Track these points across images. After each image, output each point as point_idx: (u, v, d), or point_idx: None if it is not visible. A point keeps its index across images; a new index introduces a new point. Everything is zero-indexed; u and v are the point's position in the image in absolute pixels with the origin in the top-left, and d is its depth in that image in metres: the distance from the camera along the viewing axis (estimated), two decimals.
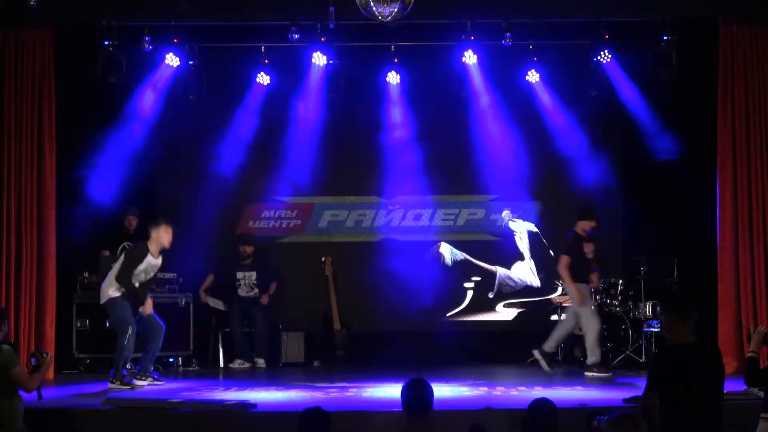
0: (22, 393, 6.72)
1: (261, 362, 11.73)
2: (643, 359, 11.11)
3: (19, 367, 6.64)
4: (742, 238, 10.45)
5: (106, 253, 11.37)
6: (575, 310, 10.52)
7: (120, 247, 11.56)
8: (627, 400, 7.65)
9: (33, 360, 6.87)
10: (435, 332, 12.38)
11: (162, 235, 9.64)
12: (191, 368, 11.53)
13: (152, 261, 9.65)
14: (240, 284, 12.02)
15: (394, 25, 9.60)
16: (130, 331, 9.33)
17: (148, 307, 9.53)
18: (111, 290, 9.47)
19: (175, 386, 9.65)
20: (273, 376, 10.79)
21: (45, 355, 6.89)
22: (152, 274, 9.71)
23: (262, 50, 11.61)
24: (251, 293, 12.02)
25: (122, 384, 9.24)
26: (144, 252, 9.59)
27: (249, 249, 12.19)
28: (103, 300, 9.58)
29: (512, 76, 11.89)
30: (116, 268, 9.55)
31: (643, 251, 11.47)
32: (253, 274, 12.11)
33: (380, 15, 8.36)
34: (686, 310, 5.66)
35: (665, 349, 5.69)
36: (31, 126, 10.50)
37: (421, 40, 11.41)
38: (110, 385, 9.21)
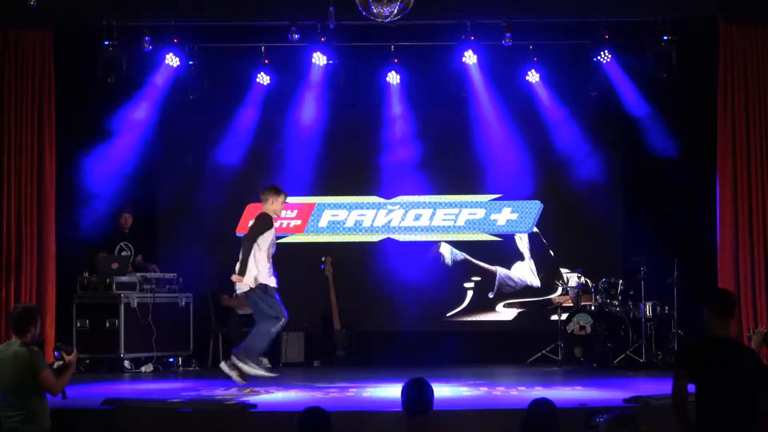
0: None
1: (264, 361, 11.66)
2: (643, 359, 11.11)
3: (48, 370, 6.64)
4: (742, 238, 10.46)
5: (103, 254, 11.35)
6: None
7: (117, 248, 11.55)
8: (627, 400, 7.64)
9: (56, 353, 6.85)
10: (435, 332, 12.38)
11: (279, 205, 9.28)
12: (191, 368, 11.52)
13: (273, 229, 9.26)
14: (236, 294, 11.98)
15: (394, 25, 9.61)
16: (282, 322, 9.10)
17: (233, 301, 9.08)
18: (267, 276, 9.06)
19: (175, 386, 9.64)
20: (273, 376, 10.77)
21: (70, 351, 6.86)
22: (274, 243, 9.28)
23: (262, 50, 11.62)
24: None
25: (241, 377, 9.01)
26: (270, 220, 9.15)
27: None
28: (245, 289, 9.10)
29: (512, 76, 11.90)
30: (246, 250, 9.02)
31: (643, 251, 11.47)
32: None
33: (380, 15, 8.37)
34: (725, 307, 5.69)
35: (703, 339, 5.70)
36: (31, 126, 10.51)
37: (421, 40, 11.42)
38: (229, 371, 8.99)
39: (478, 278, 12.76)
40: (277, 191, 9.35)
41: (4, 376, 6.56)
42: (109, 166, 11.29)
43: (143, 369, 11.09)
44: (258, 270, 9.04)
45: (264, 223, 9.18)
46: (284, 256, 12.63)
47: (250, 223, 9.38)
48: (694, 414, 5.47)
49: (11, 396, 6.56)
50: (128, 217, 11.69)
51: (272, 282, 9.18)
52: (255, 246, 9.07)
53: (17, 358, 6.54)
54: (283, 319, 9.16)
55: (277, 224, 12.56)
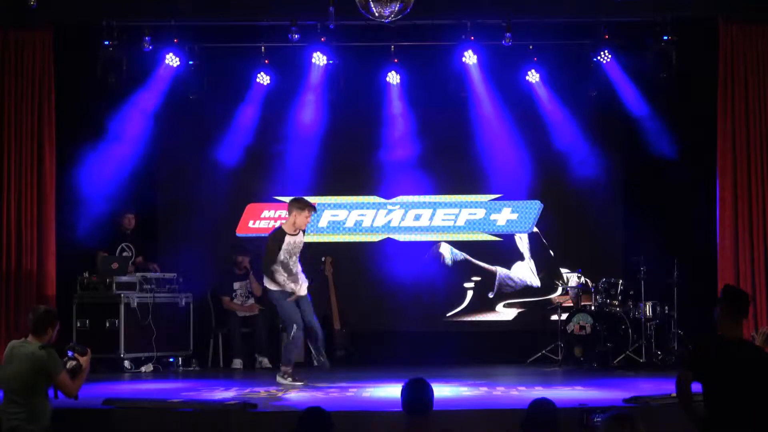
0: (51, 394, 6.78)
1: (265, 361, 11.68)
2: (643, 359, 11.11)
3: (64, 373, 6.68)
4: (742, 238, 10.47)
5: (104, 254, 11.35)
6: None
7: (118, 248, 11.55)
8: (627, 400, 7.64)
9: (70, 353, 6.86)
10: (435, 332, 12.38)
11: (302, 219, 9.43)
12: (191, 368, 11.51)
13: (291, 240, 9.44)
14: (236, 294, 11.99)
15: (394, 25, 9.61)
16: (295, 329, 9.34)
17: (302, 290, 9.44)
18: (270, 283, 9.40)
19: (175, 386, 9.64)
20: (273, 376, 10.77)
21: (84, 352, 6.89)
22: (296, 252, 9.53)
23: (262, 50, 11.62)
24: (247, 303, 11.97)
25: (293, 380, 9.32)
26: (281, 235, 9.39)
27: (245, 259, 12.11)
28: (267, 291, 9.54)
29: (512, 76, 11.90)
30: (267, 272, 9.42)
31: (643, 251, 11.47)
32: (248, 284, 12.07)
33: (380, 15, 8.37)
34: (740, 306, 5.65)
35: (713, 338, 5.63)
36: (31, 126, 10.52)
37: (421, 40, 11.41)
38: (279, 379, 9.36)
39: (478, 278, 12.76)
40: (302, 205, 9.50)
41: (15, 373, 6.59)
42: (109, 166, 11.28)
43: (143, 369, 11.08)
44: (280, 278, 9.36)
45: (272, 247, 9.36)
46: None
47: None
48: (700, 409, 5.45)
49: (17, 394, 6.58)
50: (131, 218, 11.68)
51: (289, 288, 9.38)
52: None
53: (35, 359, 6.57)
54: (292, 328, 9.40)
55: (277, 224, 12.74)
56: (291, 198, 9.70)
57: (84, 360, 6.79)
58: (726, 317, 5.59)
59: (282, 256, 9.39)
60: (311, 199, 12.51)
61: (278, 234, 9.45)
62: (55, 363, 6.61)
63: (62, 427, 7.05)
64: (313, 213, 9.60)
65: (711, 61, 10.67)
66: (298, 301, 9.49)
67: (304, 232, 9.61)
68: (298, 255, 9.59)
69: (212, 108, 12.18)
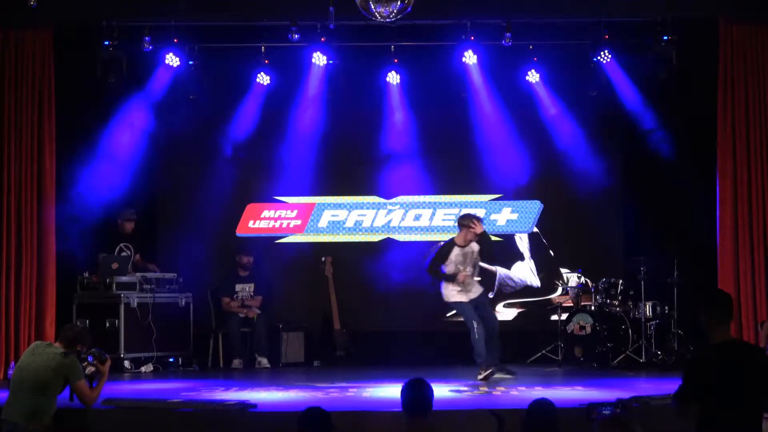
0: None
1: (264, 361, 11.67)
2: (643, 359, 11.11)
3: (83, 381, 6.71)
4: (742, 238, 10.46)
5: (104, 255, 11.35)
6: None
7: (117, 249, 11.55)
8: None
9: (90, 358, 6.90)
10: (435, 332, 12.37)
11: (471, 235, 10.06)
12: (191, 368, 11.51)
13: (460, 251, 10.08)
14: (238, 296, 11.98)
15: (394, 25, 9.61)
16: (475, 326, 9.82)
17: (461, 277, 9.99)
18: (451, 293, 10.12)
19: (175, 386, 9.64)
20: (273, 376, 10.79)
21: (104, 359, 6.93)
22: (470, 259, 10.15)
23: (262, 50, 11.62)
24: (246, 309, 11.97)
25: (490, 372, 9.72)
26: (449, 247, 10.09)
27: (250, 259, 12.11)
28: (446, 299, 10.23)
29: (512, 76, 11.90)
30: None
31: (643, 251, 11.47)
32: (251, 286, 12.08)
33: (380, 15, 8.36)
34: (727, 308, 5.60)
35: (707, 350, 5.54)
36: (31, 126, 10.51)
37: (421, 40, 11.42)
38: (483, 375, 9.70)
39: (479, 278, 12.73)
40: (466, 222, 10.15)
41: (36, 367, 6.63)
42: (109, 166, 11.29)
43: (143, 369, 11.09)
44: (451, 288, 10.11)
45: (437, 254, 10.12)
46: (284, 256, 12.73)
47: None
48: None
49: (28, 387, 6.61)
50: (128, 224, 11.63)
51: (455, 298, 10.11)
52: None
53: (58, 360, 6.62)
54: (476, 324, 9.85)
55: (277, 224, 12.78)
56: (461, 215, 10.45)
57: (103, 369, 6.85)
58: (714, 324, 5.51)
59: (452, 266, 10.00)
60: (312, 199, 12.66)
61: (447, 245, 10.15)
62: (77, 370, 6.72)
63: (62, 427, 7.05)
64: (477, 223, 10.11)
65: (711, 61, 10.66)
66: (476, 305, 10.04)
67: (478, 242, 10.11)
68: (472, 264, 10.15)
69: (212, 108, 12.18)
